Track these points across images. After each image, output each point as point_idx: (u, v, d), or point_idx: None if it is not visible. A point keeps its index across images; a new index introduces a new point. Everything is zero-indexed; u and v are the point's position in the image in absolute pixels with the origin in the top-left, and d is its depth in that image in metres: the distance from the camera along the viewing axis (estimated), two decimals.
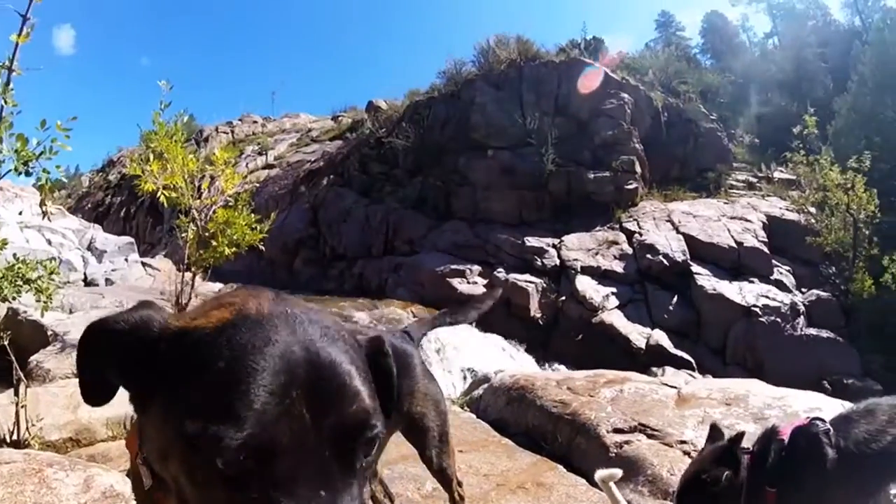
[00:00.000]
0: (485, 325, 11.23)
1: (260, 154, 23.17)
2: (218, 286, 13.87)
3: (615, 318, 11.36)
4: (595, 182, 14.02)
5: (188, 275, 7.10)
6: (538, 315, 11.86)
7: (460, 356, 10.03)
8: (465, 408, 5.14)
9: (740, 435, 2.18)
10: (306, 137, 23.37)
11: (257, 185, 19.28)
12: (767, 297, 11.67)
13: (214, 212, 6.81)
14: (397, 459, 3.22)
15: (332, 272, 15.47)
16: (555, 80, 15.75)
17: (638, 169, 14.55)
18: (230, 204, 7.01)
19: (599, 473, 2.12)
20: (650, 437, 3.68)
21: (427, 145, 15.57)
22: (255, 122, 27.25)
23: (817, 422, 2.15)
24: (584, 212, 13.68)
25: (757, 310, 11.34)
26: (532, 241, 13.04)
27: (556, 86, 15.68)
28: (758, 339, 11.06)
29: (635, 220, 13.43)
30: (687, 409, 4.13)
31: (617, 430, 3.79)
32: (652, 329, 11.24)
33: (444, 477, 2.03)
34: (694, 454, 3.43)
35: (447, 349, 10.29)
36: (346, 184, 17.06)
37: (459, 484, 2.15)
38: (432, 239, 14.19)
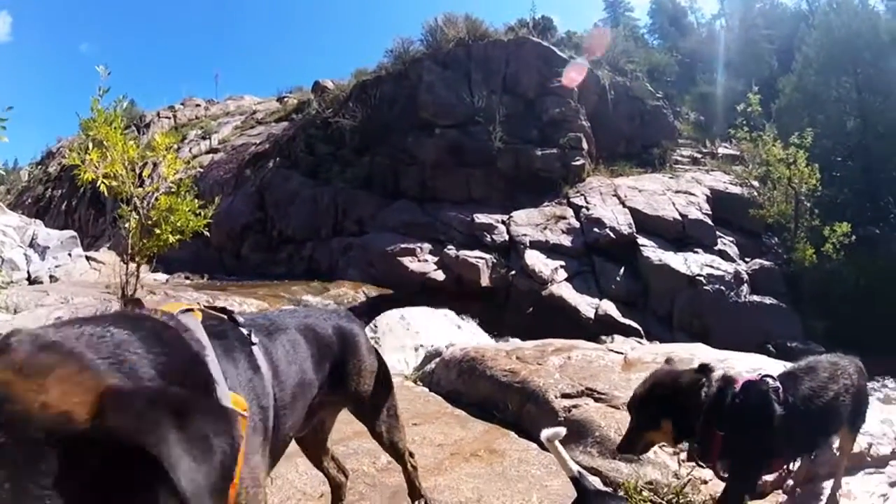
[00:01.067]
0: (437, 301, 11.17)
1: (203, 138, 22.48)
2: (164, 276, 13.55)
3: (564, 290, 11.45)
4: (543, 159, 14.05)
5: (132, 266, 6.86)
6: (489, 290, 11.84)
7: (414, 334, 9.95)
8: (419, 382, 5.09)
9: (710, 366, 2.20)
10: (251, 120, 22.75)
11: (201, 170, 18.76)
12: (712, 266, 11.94)
13: (157, 199, 6.61)
14: (352, 436, 3.18)
15: (280, 256, 15.16)
16: (503, 59, 15.70)
17: (585, 145, 14.66)
18: (173, 190, 6.81)
19: (545, 433, 2.07)
20: (597, 400, 3.72)
21: (374, 125, 15.33)
22: (198, 105, 26.39)
23: (767, 379, 2.21)
24: (532, 188, 13.73)
25: (702, 279, 11.59)
26: (481, 218, 13.00)
27: (504, 64, 15.64)
28: (703, 306, 11.33)
29: (582, 195, 13.52)
30: (633, 373, 4.14)
31: (565, 396, 3.81)
32: (600, 300, 11.37)
33: (396, 451, 2.07)
34: None
35: (400, 327, 10.20)
36: (292, 165, 16.69)
37: (411, 455, 2.19)
38: (382, 218, 14.00)
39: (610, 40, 18.34)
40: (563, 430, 2.06)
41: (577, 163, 14.27)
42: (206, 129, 23.37)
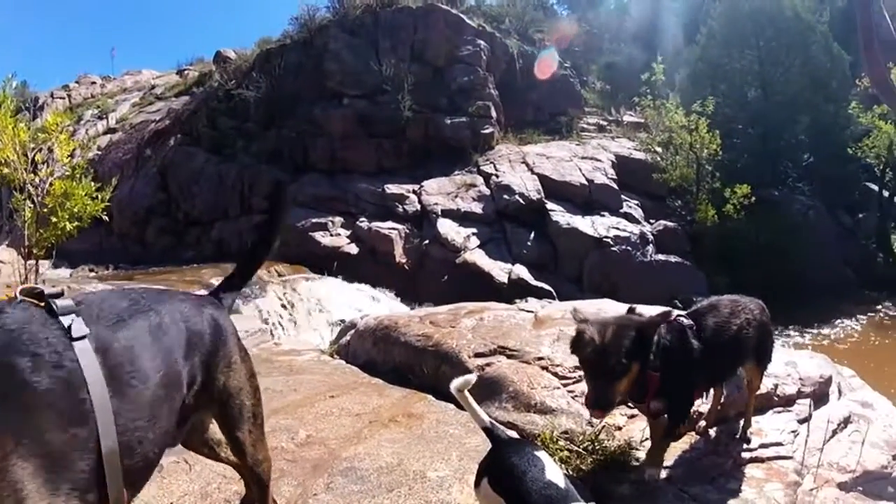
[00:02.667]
0: (352, 275, 11.09)
1: (100, 118, 20.95)
2: (68, 270, 12.73)
3: (477, 256, 11.57)
4: (452, 127, 14.02)
5: (31, 260, 6.38)
6: (404, 260, 11.80)
7: (330, 310, 9.82)
8: (335, 355, 5.01)
9: (670, 311, 2.32)
10: (150, 95, 21.41)
11: (99, 152, 17.59)
12: (618, 228, 12.37)
13: (51, 184, 6.15)
14: (268, 414, 3.08)
15: (188, 239, 14.46)
16: (411, 27, 15.46)
17: (494, 114, 14.74)
18: (68, 174, 6.37)
19: (454, 383, 1.98)
20: (510, 357, 3.78)
21: (280, 96, 14.76)
22: (94, 83, 24.49)
23: (681, 318, 2.36)
24: (442, 157, 13.70)
25: (609, 240, 12.00)
26: (392, 189, 12.87)
27: (412, 32, 15.41)
28: (611, 266, 11.75)
29: (492, 162, 13.63)
30: (543, 330, 4.26)
31: (478, 355, 3.85)
32: (513, 264, 11.57)
33: (257, 475, 1.73)
34: (551, 368, 3.60)
35: (316, 304, 10.03)
36: (195, 142, 15.82)
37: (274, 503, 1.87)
38: (291, 193, 13.48)
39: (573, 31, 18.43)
40: (472, 378, 2.00)
41: (487, 131, 14.32)
42: (102, 107, 21.81)
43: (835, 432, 3.26)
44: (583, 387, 3.25)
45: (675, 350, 2.26)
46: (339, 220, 12.52)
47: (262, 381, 3.84)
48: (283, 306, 9.92)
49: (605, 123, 16.95)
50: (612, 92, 19.15)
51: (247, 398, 1.62)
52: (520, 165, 13.40)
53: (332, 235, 12.28)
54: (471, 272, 11.25)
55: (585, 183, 13.09)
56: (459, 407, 3.19)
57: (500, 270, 11.36)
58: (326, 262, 11.33)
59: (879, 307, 12.44)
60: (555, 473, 1.68)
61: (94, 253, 13.91)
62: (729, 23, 16.69)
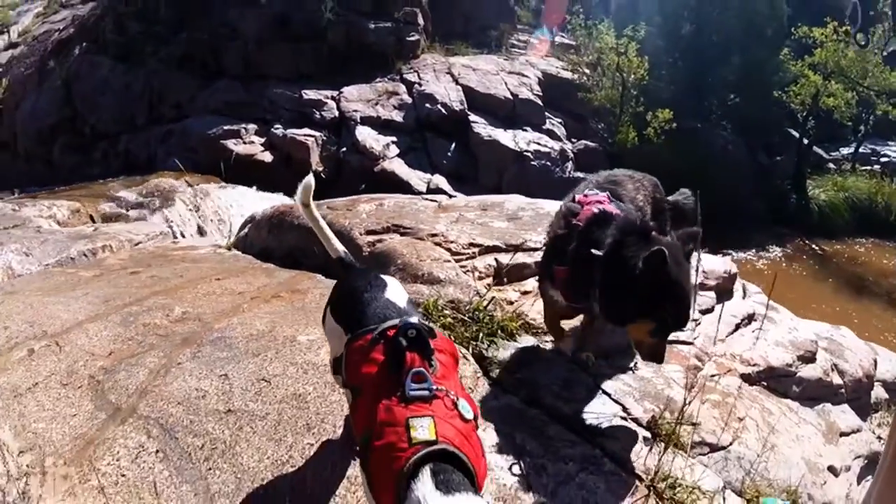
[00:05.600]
0: (266, 184, 10.64)
1: (1, 32, 19.29)
2: None
3: (396, 165, 11.35)
4: (376, 32, 13.38)
5: None
6: (320, 168, 11.39)
7: (241, 215, 9.39)
8: (233, 248, 4.88)
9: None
10: (55, 3, 19.72)
11: (0, 69, 16.31)
12: (539, 143, 12.35)
13: None
14: (149, 295, 3.12)
15: (95, 155, 13.54)
16: None
17: (421, 21, 14.16)
18: None
19: (297, 193, 1.87)
20: (403, 234, 3.72)
21: None
22: None
23: (612, 205, 2.31)
24: (364, 63, 13.10)
25: (529, 154, 11.99)
26: (310, 94, 12.29)
27: None
28: (529, 179, 11.70)
29: (416, 71, 13.21)
30: (444, 214, 4.23)
31: (370, 232, 3.78)
32: (432, 174, 11.44)
33: None
34: (445, 244, 3.49)
35: (226, 215, 9.64)
36: (101, 50, 14.62)
37: None
38: (202, 100, 12.80)
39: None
40: (311, 180, 1.85)
41: (412, 38, 13.78)
42: (4, 21, 20.03)
43: (738, 326, 3.30)
44: (477, 263, 3.35)
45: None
46: (252, 127, 11.93)
47: (148, 271, 3.74)
48: (191, 210, 9.50)
49: (535, 41, 16.73)
50: (546, 12, 18.86)
51: None
52: (444, 76, 13.04)
53: (245, 143, 11.73)
54: (389, 181, 10.98)
55: (510, 97, 12.92)
56: None
57: (418, 180, 11.19)
58: (240, 171, 10.83)
59: (790, 242, 13.00)
60: (397, 294, 1.57)
61: None
62: None
